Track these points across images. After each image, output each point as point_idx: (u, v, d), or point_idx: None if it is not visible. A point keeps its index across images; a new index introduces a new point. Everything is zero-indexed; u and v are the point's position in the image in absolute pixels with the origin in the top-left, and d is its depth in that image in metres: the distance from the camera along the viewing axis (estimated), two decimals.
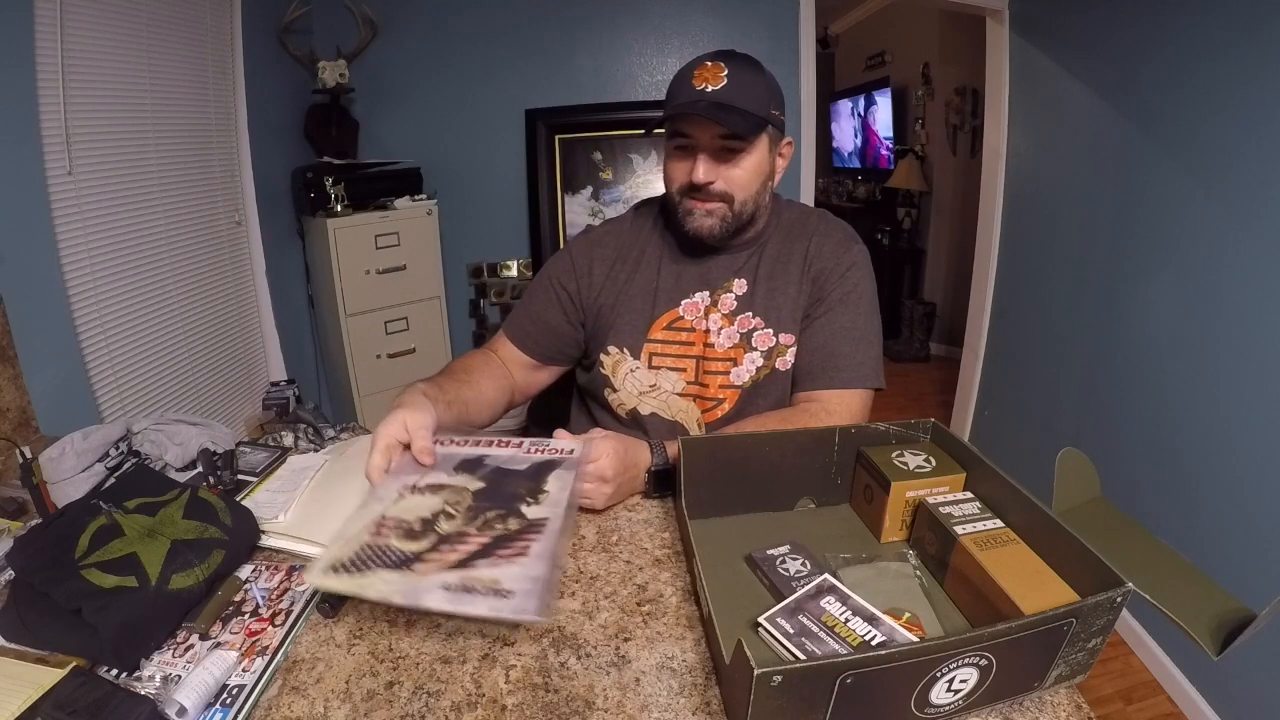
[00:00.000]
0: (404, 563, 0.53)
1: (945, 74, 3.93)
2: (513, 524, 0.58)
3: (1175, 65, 1.64)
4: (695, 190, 0.91)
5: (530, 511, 0.60)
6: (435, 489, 0.64)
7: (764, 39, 2.24)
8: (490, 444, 0.72)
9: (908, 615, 0.60)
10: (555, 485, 0.64)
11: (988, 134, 2.54)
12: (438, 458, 0.69)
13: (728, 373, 0.98)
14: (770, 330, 0.97)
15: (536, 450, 0.71)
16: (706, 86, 0.86)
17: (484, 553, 0.55)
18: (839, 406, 0.93)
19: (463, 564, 0.53)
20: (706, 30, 2.28)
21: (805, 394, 0.96)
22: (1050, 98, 2.19)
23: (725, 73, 0.86)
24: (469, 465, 0.68)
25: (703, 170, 0.89)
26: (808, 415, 0.92)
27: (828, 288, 0.97)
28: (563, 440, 0.75)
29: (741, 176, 0.91)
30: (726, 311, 0.98)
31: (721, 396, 0.99)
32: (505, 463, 0.68)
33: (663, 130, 0.92)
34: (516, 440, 0.73)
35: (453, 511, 0.60)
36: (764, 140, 0.91)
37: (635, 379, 1.01)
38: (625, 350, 1.01)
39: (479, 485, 0.64)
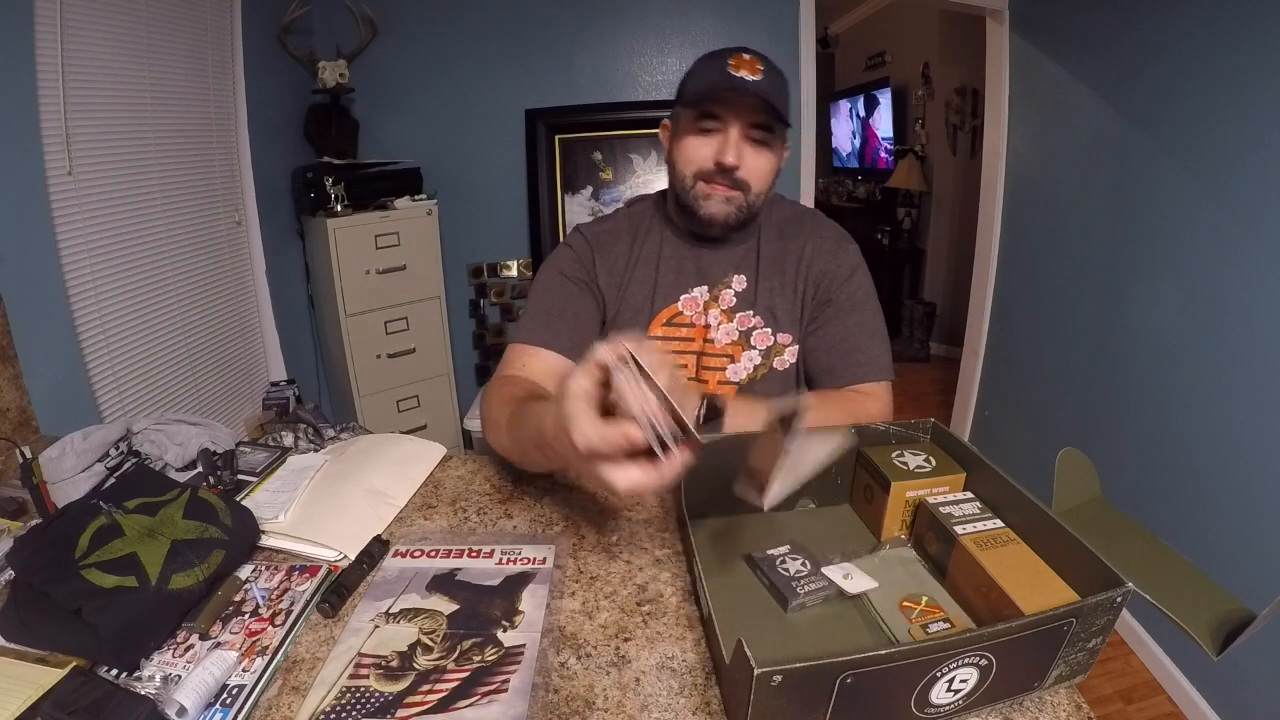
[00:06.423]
0: (385, 709, 0.53)
1: (945, 74, 3.93)
2: (490, 653, 0.59)
3: (1175, 65, 1.64)
4: (720, 173, 0.89)
5: (507, 638, 0.61)
6: (410, 614, 0.64)
7: (764, 39, 2.24)
8: (461, 554, 0.73)
9: (926, 599, 0.60)
10: (530, 604, 0.65)
11: (988, 134, 2.54)
12: (412, 574, 0.69)
13: (724, 369, 0.98)
14: (769, 330, 0.98)
15: (508, 560, 0.71)
16: (745, 75, 0.84)
17: (464, 689, 0.55)
18: (874, 398, 0.95)
19: (443, 704, 0.54)
20: (706, 30, 2.28)
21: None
22: (1050, 98, 2.19)
23: (763, 68, 0.86)
24: (441, 583, 0.68)
25: (733, 152, 0.87)
26: (854, 404, 0.94)
27: (834, 291, 0.98)
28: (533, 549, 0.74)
29: (763, 168, 0.91)
30: (726, 307, 0.98)
31: (718, 393, 0.98)
32: (477, 577, 0.69)
33: (669, 114, 0.91)
34: (487, 549, 0.73)
35: (429, 643, 0.60)
36: (779, 140, 0.92)
37: None
38: None
39: (453, 608, 0.65)
